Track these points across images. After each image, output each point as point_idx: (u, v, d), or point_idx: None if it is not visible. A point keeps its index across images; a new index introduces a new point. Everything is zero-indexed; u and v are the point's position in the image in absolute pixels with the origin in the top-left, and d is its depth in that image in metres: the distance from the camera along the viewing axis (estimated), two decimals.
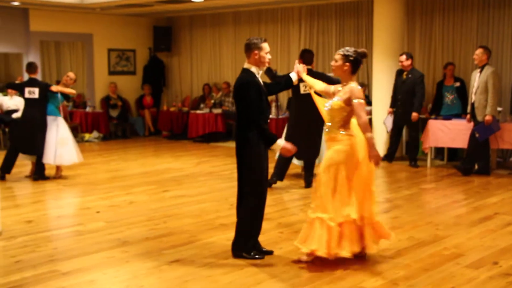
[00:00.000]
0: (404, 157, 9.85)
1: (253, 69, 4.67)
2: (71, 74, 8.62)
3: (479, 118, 8.20)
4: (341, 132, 4.56)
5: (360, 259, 4.62)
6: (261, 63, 4.68)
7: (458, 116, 9.16)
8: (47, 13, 12.57)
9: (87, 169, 9.12)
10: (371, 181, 4.64)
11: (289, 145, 4.65)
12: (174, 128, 13.30)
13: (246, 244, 4.70)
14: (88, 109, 13.15)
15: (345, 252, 4.47)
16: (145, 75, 14.33)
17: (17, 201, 7.29)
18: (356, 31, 11.29)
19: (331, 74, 8.23)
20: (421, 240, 5.27)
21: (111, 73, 13.86)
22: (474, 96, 8.29)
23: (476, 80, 8.26)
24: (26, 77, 9.56)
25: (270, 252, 4.83)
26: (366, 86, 10.86)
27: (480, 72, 8.23)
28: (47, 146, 8.18)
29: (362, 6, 11.12)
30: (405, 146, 9.79)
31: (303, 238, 4.61)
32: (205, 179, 8.35)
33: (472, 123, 8.38)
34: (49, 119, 8.25)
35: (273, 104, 11.34)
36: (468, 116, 8.46)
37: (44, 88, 8.23)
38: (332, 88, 4.79)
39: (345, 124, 4.57)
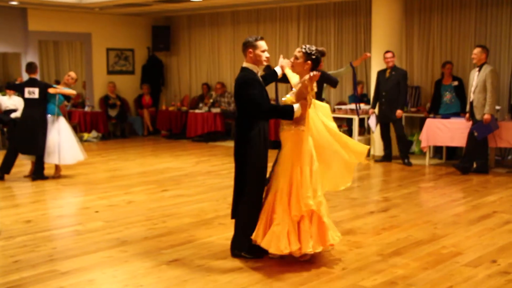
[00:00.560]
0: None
1: (251, 67, 4.67)
2: (73, 74, 8.62)
3: (478, 116, 8.22)
4: (294, 128, 4.56)
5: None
6: (258, 61, 4.66)
7: (457, 114, 9.17)
8: (46, 12, 12.57)
9: (86, 168, 9.12)
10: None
11: (302, 100, 4.53)
12: (173, 128, 13.30)
13: (245, 243, 4.69)
14: (86, 109, 13.15)
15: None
16: (143, 75, 14.33)
17: (16, 201, 7.29)
18: (354, 30, 11.30)
19: (337, 70, 8.26)
20: (419, 239, 5.27)
21: (109, 72, 13.86)
22: (472, 95, 8.30)
23: (475, 79, 8.27)
24: (25, 77, 9.56)
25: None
26: (363, 84, 10.88)
27: (479, 71, 8.24)
28: (50, 146, 8.18)
29: (360, 5, 11.13)
30: (397, 145, 9.74)
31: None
32: (204, 179, 8.35)
33: (470, 122, 8.39)
34: (50, 118, 8.26)
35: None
36: (467, 115, 8.48)
37: (44, 88, 8.22)
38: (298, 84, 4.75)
39: (299, 120, 4.55)
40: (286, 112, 4.52)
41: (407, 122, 10.39)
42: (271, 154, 4.73)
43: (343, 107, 10.60)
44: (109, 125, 13.31)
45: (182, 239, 5.32)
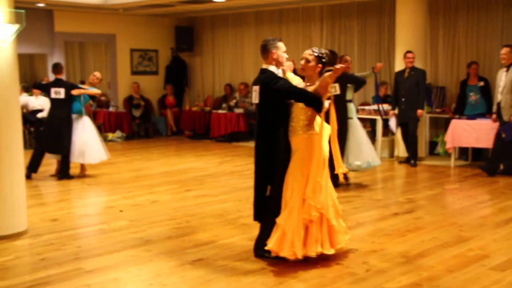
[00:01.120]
0: (427, 156, 9.75)
1: (272, 68, 4.67)
2: (98, 74, 8.74)
3: (506, 118, 8.09)
4: (306, 131, 4.55)
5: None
6: (279, 62, 4.68)
7: (483, 115, 9.03)
8: (71, 14, 12.74)
9: (111, 168, 9.22)
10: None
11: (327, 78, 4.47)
12: (196, 128, 13.36)
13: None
14: (111, 109, 13.30)
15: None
16: (167, 75, 14.43)
17: (42, 200, 7.40)
18: (378, 30, 11.21)
19: (361, 74, 8.20)
20: (444, 241, 5.21)
21: (133, 73, 13.99)
22: (500, 95, 8.17)
23: (503, 79, 8.14)
24: (51, 77, 9.70)
25: None
26: (387, 84, 10.78)
27: (507, 71, 8.11)
28: (75, 145, 8.29)
29: (384, 5, 11.04)
30: (404, 144, 9.60)
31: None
32: (227, 179, 8.37)
33: (497, 123, 8.27)
34: (75, 118, 8.37)
35: None
36: (494, 115, 8.35)
37: (70, 89, 8.34)
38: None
39: (310, 123, 4.56)
40: (317, 100, 4.47)
41: (431, 123, 10.27)
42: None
43: (366, 107, 10.52)
44: (133, 125, 13.43)
45: (205, 239, 5.35)
